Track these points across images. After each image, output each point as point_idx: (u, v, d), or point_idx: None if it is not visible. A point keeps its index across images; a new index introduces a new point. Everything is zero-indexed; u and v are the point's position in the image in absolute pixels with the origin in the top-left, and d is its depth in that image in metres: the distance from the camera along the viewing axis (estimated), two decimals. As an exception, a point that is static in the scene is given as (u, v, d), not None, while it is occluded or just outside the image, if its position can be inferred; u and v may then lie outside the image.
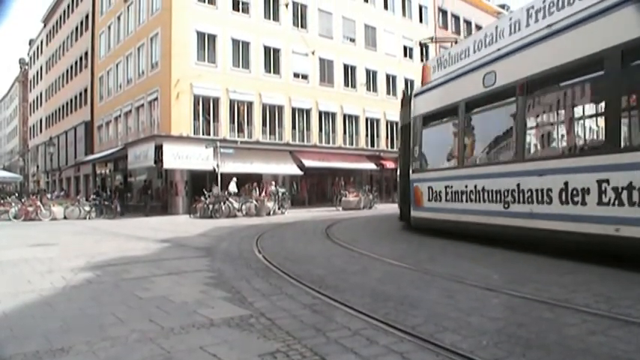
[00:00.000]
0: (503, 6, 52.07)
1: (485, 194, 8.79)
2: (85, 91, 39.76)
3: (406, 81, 36.36)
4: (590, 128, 7.46)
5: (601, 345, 3.19)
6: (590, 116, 7.44)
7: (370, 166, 34.08)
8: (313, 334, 3.54)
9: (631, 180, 5.82)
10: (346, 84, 34.02)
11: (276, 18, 30.44)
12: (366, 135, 35.22)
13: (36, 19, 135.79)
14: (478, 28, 43.98)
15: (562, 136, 8.09)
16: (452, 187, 9.95)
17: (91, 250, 9.48)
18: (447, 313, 4.05)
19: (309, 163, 29.71)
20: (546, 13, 7.88)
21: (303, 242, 10.45)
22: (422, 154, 11.76)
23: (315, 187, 33.27)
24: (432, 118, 11.29)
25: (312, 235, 11.96)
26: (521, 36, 8.39)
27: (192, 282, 5.77)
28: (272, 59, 30.09)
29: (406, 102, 12.70)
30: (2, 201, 23.32)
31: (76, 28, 42.57)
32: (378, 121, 35.90)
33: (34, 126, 60.12)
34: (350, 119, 34.24)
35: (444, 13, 41.25)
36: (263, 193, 24.59)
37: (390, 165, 33.36)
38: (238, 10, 28.87)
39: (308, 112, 31.73)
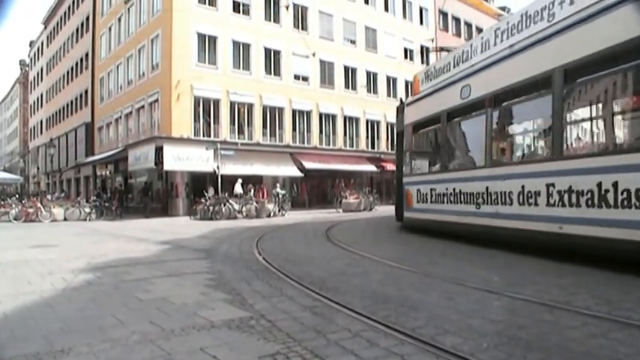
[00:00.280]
0: (503, 8, 52.14)
1: (462, 196, 9.72)
2: (86, 92, 39.79)
3: (406, 83, 36.37)
4: (541, 138, 8.20)
5: (601, 348, 3.19)
6: (541, 128, 8.24)
7: (370, 168, 34.10)
8: (313, 335, 3.54)
9: (571, 184, 6.67)
10: (347, 86, 34.06)
11: (276, 20, 30.48)
12: (367, 137, 35.25)
13: (36, 21, 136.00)
14: (479, 30, 44.01)
15: (520, 144, 9.07)
16: (436, 189, 10.90)
17: (91, 251, 9.47)
18: (447, 315, 4.04)
19: (309, 165, 29.72)
20: (509, 34, 8.80)
21: (303, 244, 10.44)
22: (412, 159, 12.86)
23: (315, 189, 33.28)
24: (420, 126, 12.20)
25: (312, 236, 11.95)
26: (490, 54, 9.29)
27: (193, 284, 5.77)
28: (272, 61, 30.13)
29: (400, 110, 13.61)
30: (3, 202, 23.35)
31: (77, 30, 42.63)
32: (378, 123, 35.92)
33: (34, 127, 60.15)
34: (350, 121, 34.27)
35: (445, 15, 41.29)
36: (261, 196, 24.59)
37: (390, 167, 33.32)
38: (239, 12, 28.92)
39: (308, 113, 31.75)
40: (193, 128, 26.55)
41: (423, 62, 38.48)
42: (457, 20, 42.75)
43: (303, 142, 31.38)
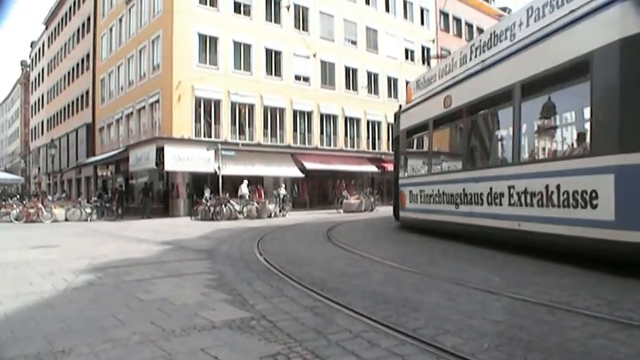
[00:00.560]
0: (504, 8, 52.11)
1: (444, 197, 10.67)
2: (87, 93, 39.81)
3: (407, 84, 36.31)
4: (505, 146, 9.04)
5: (602, 348, 3.19)
6: (506, 136, 8.98)
7: (371, 168, 34.10)
8: (314, 336, 3.54)
9: (526, 186, 7.55)
10: (347, 86, 34.07)
11: (277, 20, 30.50)
12: (368, 137, 35.26)
13: (37, 21, 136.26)
14: (480, 30, 43.99)
15: (489, 150, 9.91)
16: (424, 191, 11.92)
17: (92, 252, 9.48)
18: (448, 315, 4.05)
19: (310, 165, 29.72)
20: (481, 51, 9.68)
21: (304, 244, 10.45)
22: (406, 162, 14.10)
23: (316, 190, 33.28)
24: (412, 132, 13.33)
25: (313, 237, 11.96)
26: (466, 67, 10.20)
27: (194, 284, 5.77)
28: (273, 62, 30.14)
29: (397, 116, 14.75)
30: (4, 203, 23.38)
31: (78, 30, 42.66)
32: (379, 123, 35.92)
33: (35, 128, 60.20)
34: (351, 122, 34.27)
35: (446, 16, 41.30)
36: (258, 196, 24.58)
37: (390, 168, 33.24)
38: (240, 13, 28.94)
39: (309, 114, 31.76)
40: (194, 129, 26.57)
41: (423, 63, 38.47)
42: (458, 21, 42.76)
43: (304, 143, 31.39)
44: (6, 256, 8.81)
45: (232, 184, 25.02)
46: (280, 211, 23.86)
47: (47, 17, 54.04)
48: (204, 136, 26.78)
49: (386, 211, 23.25)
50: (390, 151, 35.18)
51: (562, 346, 3.23)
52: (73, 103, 43.64)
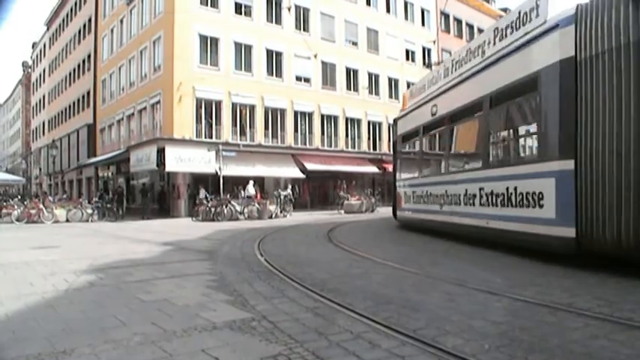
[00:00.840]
0: (505, 9, 52.08)
1: (431, 198, 11.65)
2: (88, 94, 39.84)
3: (408, 84, 36.32)
4: (478, 151, 9.67)
5: (603, 349, 3.18)
6: (479, 143, 9.69)
7: (372, 169, 34.10)
8: (315, 337, 3.54)
9: (492, 188, 8.46)
10: (348, 87, 34.08)
11: (278, 21, 30.52)
12: (369, 138, 35.27)
13: (39, 23, 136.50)
14: (480, 31, 43.98)
15: (466, 155, 10.79)
16: (416, 192, 12.98)
17: (93, 252, 9.48)
18: (449, 316, 4.05)
19: (311, 166, 29.73)
20: (461, 64, 10.54)
21: (305, 245, 10.45)
22: (401, 165, 15.34)
23: (317, 191, 33.27)
24: (406, 137, 14.42)
25: (314, 238, 11.96)
26: (449, 79, 11.08)
27: (195, 285, 5.78)
28: (274, 62, 30.16)
29: (395, 123, 16.01)
30: (5, 203, 23.36)
31: (79, 31, 42.70)
32: (380, 124, 35.93)
33: (36, 129, 60.24)
34: (352, 122, 34.28)
35: (447, 16, 41.28)
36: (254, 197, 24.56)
37: (391, 168, 33.23)
38: (241, 14, 28.97)
39: (310, 115, 31.78)
40: (195, 130, 26.58)
41: (424, 64, 38.46)
42: (459, 22, 42.76)
43: (305, 144, 31.40)
44: (7, 257, 8.82)
45: (233, 184, 25.06)
46: (281, 211, 23.86)
47: (48, 18, 54.10)
48: (205, 137, 26.80)
49: (387, 211, 23.23)
50: (391, 152, 35.26)
51: (563, 347, 3.23)
52: (74, 103, 43.67)
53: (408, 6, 38.94)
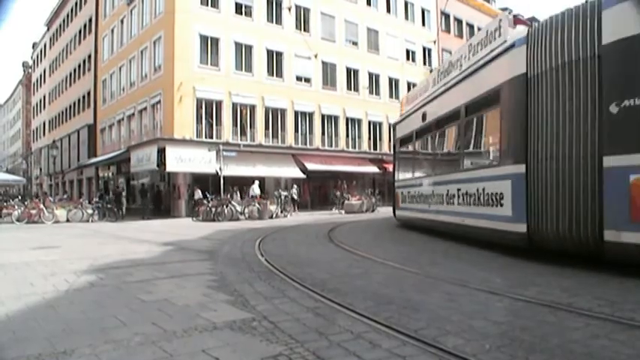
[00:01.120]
0: (505, 9, 52.04)
1: (422, 198, 12.57)
2: (88, 94, 39.86)
3: (408, 84, 36.38)
4: (458, 155, 10.56)
5: (604, 349, 3.18)
6: (457, 147, 10.62)
7: (373, 169, 34.09)
8: (316, 337, 3.54)
9: (467, 189, 9.38)
10: (349, 87, 34.07)
11: (278, 21, 30.51)
12: (369, 138, 35.25)
13: (39, 23, 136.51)
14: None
15: (448, 159, 11.53)
16: (410, 192, 13.92)
17: (93, 252, 9.49)
18: (449, 316, 4.04)
19: (311, 166, 29.73)
20: (445, 75, 11.57)
21: (305, 245, 10.45)
22: (399, 167, 16.47)
23: (317, 191, 33.27)
24: (403, 141, 15.50)
25: (314, 238, 11.97)
26: (436, 88, 12.08)
27: (195, 285, 5.78)
28: (275, 62, 30.15)
29: (394, 127, 17.09)
30: (5, 204, 23.36)
31: (79, 32, 42.72)
32: (380, 124, 35.92)
33: (37, 129, 60.25)
34: (352, 122, 34.27)
35: (447, 16, 41.26)
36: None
37: (391, 168, 33.29)
38: (241, 14, 28.97)
39: (310, 115, 31.77)
40: (196, 130, 26.58)
41: (425, 64, 38.48)
42: (459, 21, 42.73)
43: (306, 144, 31.39)
44: (7, 257, 8.82)
45: (229, 185, 25.08)
46: (282, 211, 23.87)
47: (49, 18, 54.12)
48: (206, 137, 26.79)
49: (387, 211, 23.24)
50: (391, 152, 35.24)
51: (564, 347, 3.23)
52: (74, 104, 43.69)
53: (409, 6, 38.91)
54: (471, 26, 43.08)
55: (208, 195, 22.67)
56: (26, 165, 63.94)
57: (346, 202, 27.06)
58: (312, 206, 31.24)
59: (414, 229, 13.28)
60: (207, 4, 27.58)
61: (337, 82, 33.27)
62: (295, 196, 28.00)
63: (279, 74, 30.33)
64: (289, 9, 30.28)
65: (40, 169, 54.72)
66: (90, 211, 22.75)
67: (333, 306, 4.48)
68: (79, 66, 42.33)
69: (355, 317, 4.04)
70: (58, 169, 41.83)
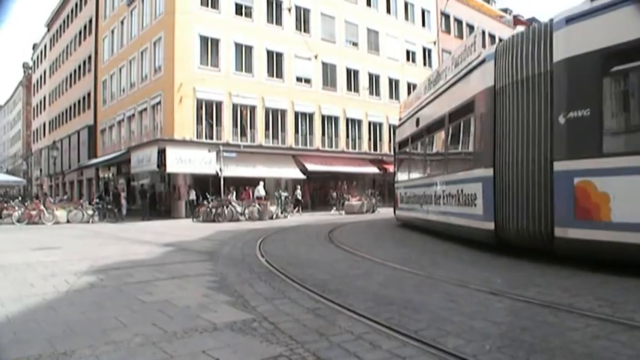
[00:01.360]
0: (505, 10, 52.12)
1: (415, 198, 13.48)
2: (89, 95, 39.88)
3: (409, 85, 36.41)
4: (443, 159, 11.43)
5: (605, 349, 3.18)
6: (443, 152, 11.48)
7: (373, 170, 34.10)
8: (316, 338, 3.54)
9: (450, 191, 10.19)
10: (349, 88, 34.08)
11: (278, 22, 30.53)
12: (369, 139, 35.26)
13: (40, 24, 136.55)
14: (481, 32, 43.91)
15: (436, 162, 12.41)
16: (407, 193, 14.93)
17: (94, 253, 9.49)
18: (450, 317, 4.04)
19: (312, 167, 29.73)
20: (434, 84, 12.32)
21: (305, 246, 10.45)
22: (398, 169, 17.59)
23: (317, 192, 33.27)
24: (402, 144, 16.35)
25: (314, 239, 11.96)
26: (427, 96, 12.89)
27: (195, 286, 5.77)
28: (275, 63, 30.17)
29: (394, 130, 18.39)
30: (6, 205, 23.36)
31: (80, 33, 42.76)
32: (380, 125, 35.93)
33: (37, 130, 60.29)
34: (353, 123, 34.28)
35: (447, 17, 41.28)
36: (245, 198, 24.57)
37: (392, 169, 33.31)
38: (241, 15, 28.99)
39: (311, 116, 31.78)
40: (196, 131, 26.59)
41: (425, 64, 38.51)
42: (459, 22, 42.75)
43: (306, 144, 31.40)
44: (8, 258, 8.83)
45: (233, 185, 25.07)
46: (282, 212, 23.88)
47: (49, 19, 54.17)
48: (206, 138, 26.79)
49: (387, 212, 23.26)
50: (391, 153, 35.26)
51: (564, 347, 3.23)
52: (74, 105, 43.72)
53: (409, 6, 38.94)
54: (471, 27, 43.05)
55: (209, 196, 22.65)
56: (26, 166, 63.92)
57: (346, 202, 27.08)
58: (312, 207, 31.26)
59: (414, 229, 13.40)
60: (208, 5, 27.60)
61: (337, 82, 33.28)
62: (300, 197, 28.09)
63: (280, 75, 30.34)
64: (289, 10, 30.31)
65: (41, 170, 54.73)
66: (90, 212, 22.76)
67: (333, 307, 4.47)
68: (80, 67, 42.35)
69: (356, 318, 4.04)
70: (58, 170, 41.84)
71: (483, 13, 44.73)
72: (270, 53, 29.89)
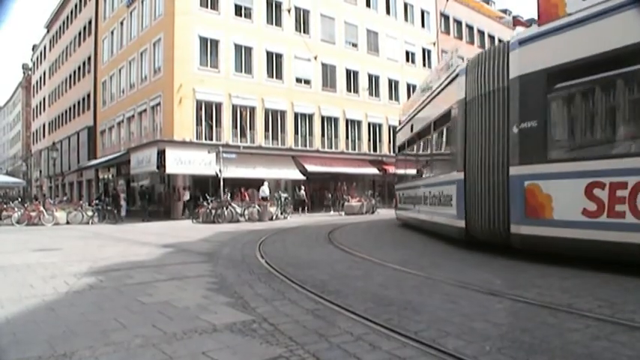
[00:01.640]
0: (505, 10, 52.19)
1: (410, 199, 14.52)
2: (88, 96, 39.87)
3: (408, 86, 36.41)
4: (430, 163, 12.58)
5: (605, 350, 3.18)
6: (430, 156, 12.49)
7: (373, 171, 34.09)
8: (316, 339, 3.54)
9: (434, 192, 11.14)
10: (349, 89, 34.09)
11: (278, 23, 30.54)
12: (369, 140, 35.26)
13: (39, 25, 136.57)
14: (480, 33, 44.03)
15: (425, 165, 13.39)
16: (404, 194, 15.91)
17: (93, 255, 9.49)
18: (450, 318, 4.04)
19: (311, 168, 29.73)
20: (426, 93, 13.03)
21: (305, 247, 10.44)
22: (397, 171, 18.95)
23: (317, 192, 33.26)
24: (400, 148, 17.69)
25: (314, 240, 11.96)
26: (419, 103, 13.84)
27: (195, 287, 5.77)
28: (274, 64, 30.17)
29: (395, 134, 19.60)
30: (5, 206, 23.35)
31: (79, 34, 42.75)
32: (380, 126, 35.93)
33: (37, 131, 60.26)
34: (352, 124, 34.28)
35: (446, 18, 41.29)
36: (241, 199, 24.54)
37: (392, 170, 33.33)
38: (241, 16, 29.00)
39: (310, 117, 31.78)
40: (195, 132, 26.58)
41: (424, 65, 38.51)
42: (459, 23, 42.77)
43: (306, 145, 31.39)
44: (7, 259, 8.82)
45: (233, 186, 25.06)
46: (282, 213, 23.88)
47: (49, 20, 54.16)
48: (206, 139, 26.78)
49: (387, 213, 23.32)
50: (391, 154, 35.22)
51: (564, 348, 3.23)
52: (74, 106, 43.70)
53: (408, 7, 38.96)
54: (470, 28, 43.16)
55: (208, 197, 22.63)
56: (26, 167, 63.95)
57: (346, 203, 27.08)
58: (312, 208, 31.22)
59: (414, 230, 13.47)
60: (207, 6, 27.60)
61: (337, 83, 33.29)
62: (304, 197, 28.11)
63: (279, 76, 30.34)
64: (289, 11, 30.32)
65: (40, 171, 54.71)
66: (90, 213, 22.74)
67: (333, 308, 4.47)
68: (79, 68, 42.34)
69: (355, 319, 4.04)
70: (57, 171, 41.80)
71: (483, 14, 44.78)
72: (269, 54, 29.89)
